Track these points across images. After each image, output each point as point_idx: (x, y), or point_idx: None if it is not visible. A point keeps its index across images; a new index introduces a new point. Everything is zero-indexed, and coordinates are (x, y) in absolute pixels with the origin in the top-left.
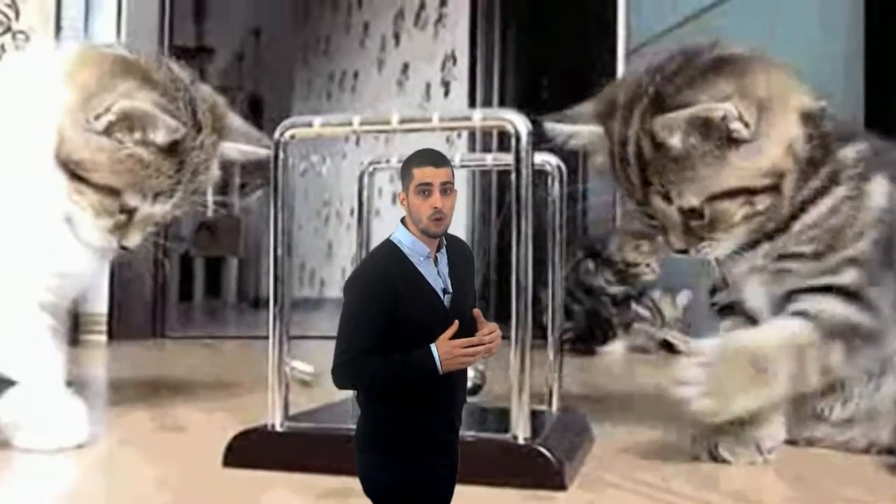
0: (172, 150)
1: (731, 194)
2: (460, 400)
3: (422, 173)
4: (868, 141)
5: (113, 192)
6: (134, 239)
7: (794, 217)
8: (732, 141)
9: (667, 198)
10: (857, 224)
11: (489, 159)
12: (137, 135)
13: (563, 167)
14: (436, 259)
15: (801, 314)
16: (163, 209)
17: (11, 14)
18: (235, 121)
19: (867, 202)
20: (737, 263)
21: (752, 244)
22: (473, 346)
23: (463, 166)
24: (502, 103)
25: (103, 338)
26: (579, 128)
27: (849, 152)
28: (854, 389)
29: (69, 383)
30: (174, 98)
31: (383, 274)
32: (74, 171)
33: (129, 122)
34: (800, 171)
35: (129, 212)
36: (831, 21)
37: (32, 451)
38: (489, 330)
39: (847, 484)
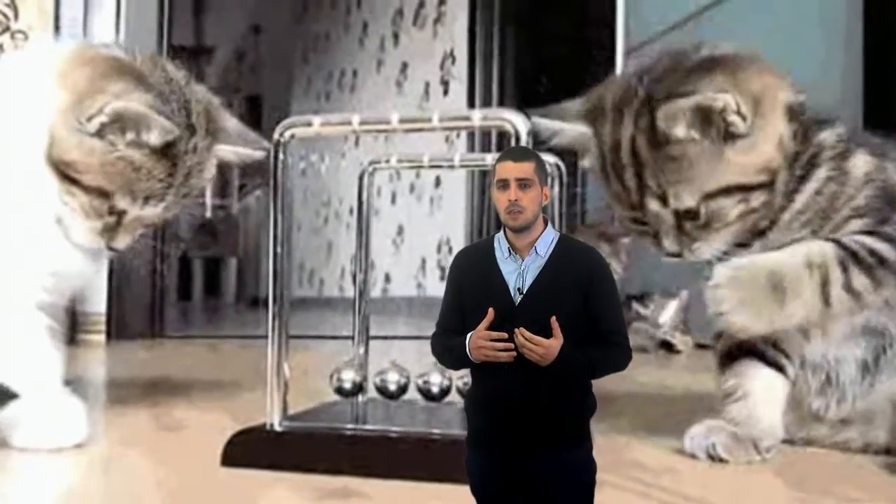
0: (165, 152)
1: (727, 191)
2: (529, 405)
3: (500, 168)
4: (846, 125)
5: (103, 193)
6: (123, 241)
7: (782, 209)
8: (729, 136)
9: (663, 199)
10: (845, 194)
11: (489, 159)
12: (130, 136)
13: (563, 167)
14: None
15: (830, 240)
16: (153, 212)
17: (10, 13)
18: (231, 123)
19: (851, 175)
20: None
21: (744, 243)
22: (502, 341)
23: (462, 166)
24: (501, 102)
25: (102, 337)
26: (564, 126)
27: (827, 136)
28: (848, 388)
29: (67, 383)
30: (168, 100)
31: (458, 261)
32: (65, 173)
33: (121, 123)
34: (789, 166)
35: (119, 214)
36: (831, 19)
37: (31, 451)
38: (530, 337)
39: (845, 483)
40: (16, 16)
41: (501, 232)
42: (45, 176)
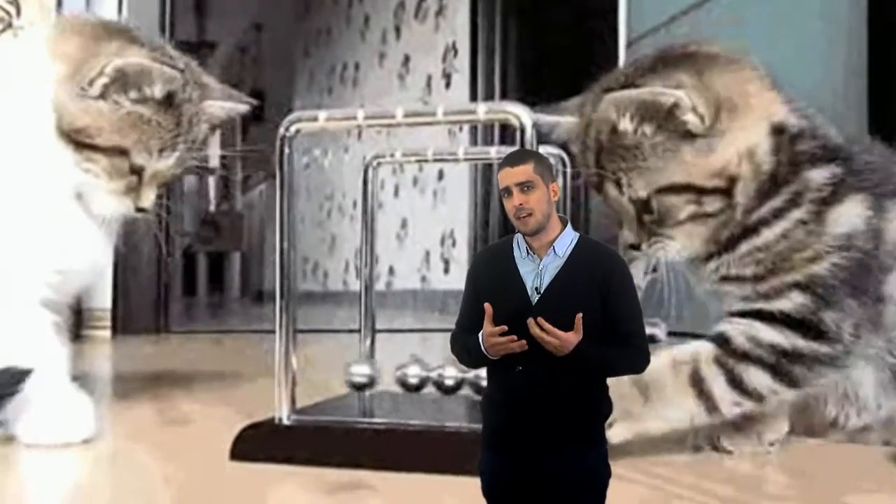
0: (168, 103)
1: (677, 189)
2: (542, 405)
3: (500, 177)
4: (852, 162)
5: (121, 151)
6: (147, 199)
7: (744, 236)
8: (687, 134)
9: (618, 185)
10: (809, 249)
11: (492, 152)
12: (133, 93)
13: (568, 160)
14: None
15: (716, 337)
16: (167, 164)
17: (12, 10)
18: (211, 80)
19: (828, 228)
20: (699, 276)
21: (707, 257)
22: (515, 322)
23: (466, 159)
24: (504, 95)
25: (107, 333)
26: (560, 119)
27: (817, 175)
28: (869, 399)
29: (74, 378)
30: (160, 52)
31: (477, 261)
32: (79, 140)
33: (123, 81)
34: (760, 185)
35: (139, 172)
36: (833, 13)
37: (39, 446)
38: (548, 329)
39: (852, 473)
40: (17, 13)
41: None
42: (59, 152)
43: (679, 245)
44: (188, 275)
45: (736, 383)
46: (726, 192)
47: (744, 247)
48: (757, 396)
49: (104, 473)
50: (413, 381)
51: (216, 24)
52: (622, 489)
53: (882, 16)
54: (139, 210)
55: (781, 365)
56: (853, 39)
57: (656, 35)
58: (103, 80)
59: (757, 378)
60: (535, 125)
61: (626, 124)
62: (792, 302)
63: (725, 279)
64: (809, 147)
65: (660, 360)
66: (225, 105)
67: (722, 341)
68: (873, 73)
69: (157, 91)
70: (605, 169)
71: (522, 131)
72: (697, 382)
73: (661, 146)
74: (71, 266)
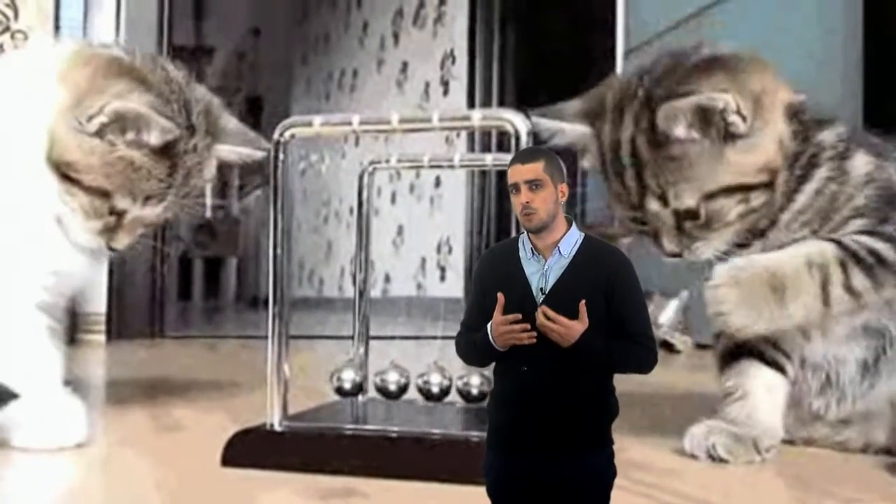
0: (165, 152)
1: (727, 191)
2: (547, 404)
3: (510, 172)
4: (846, 125)
5: (103, 193)
6: (122, 241)
7: (781, 209)
8: (729, 136)
9: (663, 199)
10: (844, 193)
11: (489, 159)
12: (130, 136)
13: (563, 165)
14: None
15: (832, 240)
16: (153, 212)
17: (10, 14)
18: (231, 122)
19: (851, 175)
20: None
21: (743, 243)
22: (520, 323)
23: (462, 166)
24: (501, 102)
25: (102, 337)
26: (564, 125)
27: (827, 135)
28: (848, 388)
29: (68, 383)
30: (168, 100)
31: (482, 262)
32: (65, 173)
33: (121, 123)
34: (788, 165)
35: (119, 214)
36: (830, 20)
37: (31, 451)
38: (552, 316)
39: (845, 483)
40: (16, 16)
41: (526, 232)
42: (45, 177)
43: (719, 243)
44: (184, 280)
45: (848, 286)
46: (770, 184)
47: (785, 217)
48: (858, 297)
49: (96, 478)
50: (392, 387)
51: (214, 29)
52: (615, 497)
53: (877, 20)
54: (111, 250)
55: (876, 268)
56: (849, 47)
57: (654, 44)
58: (101, 119)
59: (861, 280)
60: (533, 130)
61: (680, 132)
62: (857, 224)
63: (781, 248)
64: (811, 115)
65: (794, 258)
66: (240, 151)
67: (839, 244)
68: (868, 80)
69: (153, 139)
70: (649, 185)
71: (517, 138)
72: (825, 283)
73: (707, 152)
74: (66, 266)
